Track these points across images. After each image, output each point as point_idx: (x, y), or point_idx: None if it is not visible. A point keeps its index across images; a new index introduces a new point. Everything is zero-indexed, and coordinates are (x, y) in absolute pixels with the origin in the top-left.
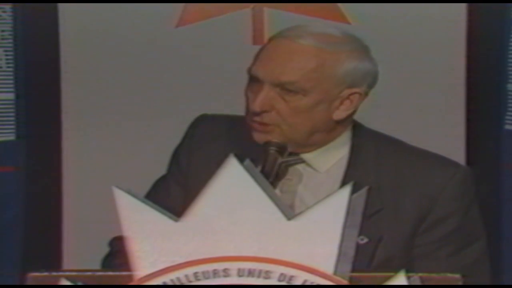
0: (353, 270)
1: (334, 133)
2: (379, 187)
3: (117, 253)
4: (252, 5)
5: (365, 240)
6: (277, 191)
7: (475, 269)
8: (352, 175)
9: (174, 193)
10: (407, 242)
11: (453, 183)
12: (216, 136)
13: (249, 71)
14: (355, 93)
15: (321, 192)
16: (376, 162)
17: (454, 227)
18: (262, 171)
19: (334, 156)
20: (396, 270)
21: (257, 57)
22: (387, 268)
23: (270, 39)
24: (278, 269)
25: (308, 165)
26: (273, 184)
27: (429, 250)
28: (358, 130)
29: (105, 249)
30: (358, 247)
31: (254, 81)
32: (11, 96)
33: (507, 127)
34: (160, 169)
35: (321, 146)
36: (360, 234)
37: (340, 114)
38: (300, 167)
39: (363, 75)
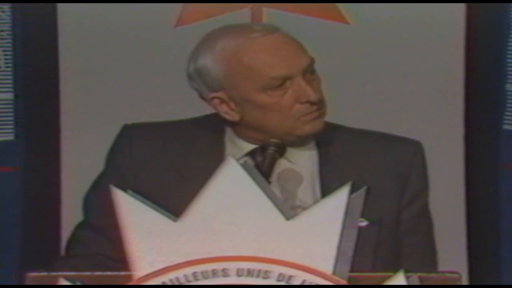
0: (352, 270)
1: None
2: (358, 172)
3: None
4: (251, 5)
5: (365, 222)
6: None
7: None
8: (327, 165)
9: None
10: (398, 219)
11: (418, 159)
12: (161, 144)
13: (266, 78)
14: None
15: (304, 185)
16: (344, 148)
17: (425, 201)
18: (261, 171)
19: (301, 147)
20: (395, 270)
21: (258, 66)
22: (392, 246)
23: (246, 48)
24: (277, 269)
25: (284, 157)
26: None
27: (412, 225)
28: None
29: None
30: (361, 230)
31: (278, 80)
32: (10, 96)
33: (506, 127)
34: None
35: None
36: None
37: None
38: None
39: None
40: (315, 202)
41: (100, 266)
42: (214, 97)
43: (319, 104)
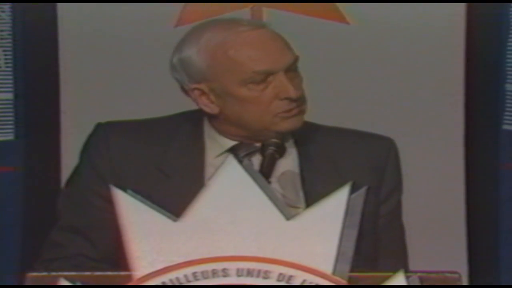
0: (352, 270)
1: None
2: (337, 170)
3: None
4: (251, 5)
5: None
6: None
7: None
8: (306, 162)
9: (100, 206)
10: (376, 214)
11: (392, 155)
12: (139, 142)
13: (250, 72)
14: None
15: (284, 177)
16: (322, 147)
17: (399, 197)
18: (261, 171)
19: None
20: (395, 270)
21: (242, 60)
22: (374, 242)
23: (233, 41)
24: (277, 269)
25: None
26: None
27: (389, 220)
28: None
29: None
30: None
31: (261, 75)
32: (10, 96)
33: (505, 127)
34: None
35: None
36: None
37: None
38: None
39: None
40: (316, 202)
41: (83, 267)
42: (195, 88)
43: (299, 102)
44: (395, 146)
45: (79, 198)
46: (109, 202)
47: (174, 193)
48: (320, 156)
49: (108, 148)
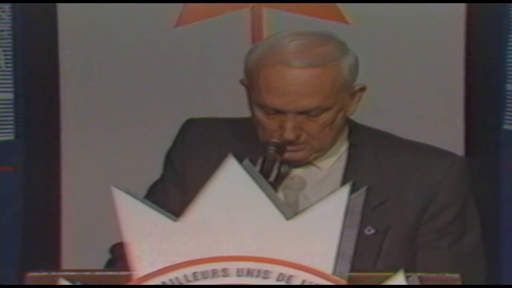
0: (352, 269)
1: (341, 132)
2: (381, 180)
3: (119, 259)
4: (251, 5)
5: (372, 231)
6: (281, 190)
7: (473, 258)
8: (352, 170)
9: (172, 195)
10: (412, 232)
11: (452, 172)
12: (208, 139)
13: (261, 102)
14: (360, 88)
15: (323, 188)
16: (375, 156)
17: (454, 216)
18: (261, 171)
19: (334, 153)
20: (396, 269)
21: (262, 86)
22: (395, 258)
23: (266, 66)
24: (277, 269)
25: (312, 164)
26: (277, 183)
27: (432, 239)
28: (353, 127)
29: (104, 249)
30: (366, 238)
31: (270, 109)
32: (10, 95)
33: (506, 127)
34: (159, 169)
35: None
36: (366, 225)
37: (351, 110)
38: (303, 165)
39: (356, 67)
40: (315, 201)
41: None
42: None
43: (296, 143)
44: (458, 165)
45: (159, 184)
46: (182, 191)
47: None
48: (369, 167)
49: (183, 141)
